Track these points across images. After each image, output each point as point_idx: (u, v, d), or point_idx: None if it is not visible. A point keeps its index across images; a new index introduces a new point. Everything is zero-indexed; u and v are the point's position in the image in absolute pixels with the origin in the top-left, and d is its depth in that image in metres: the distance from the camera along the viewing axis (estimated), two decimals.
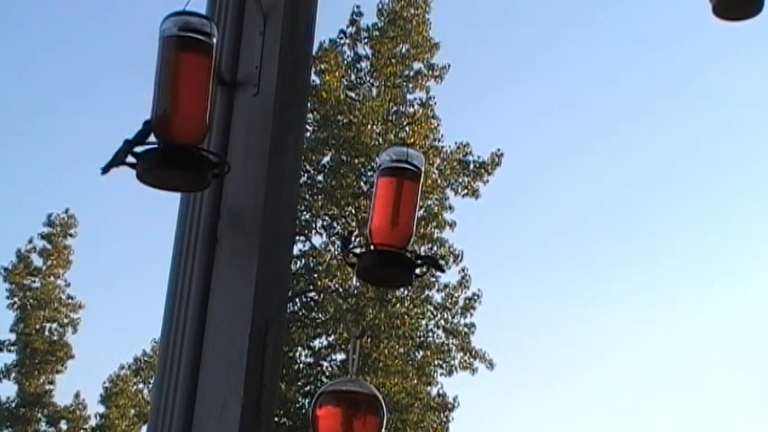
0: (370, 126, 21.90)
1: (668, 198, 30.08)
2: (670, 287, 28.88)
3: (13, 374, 26.68)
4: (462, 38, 30.94)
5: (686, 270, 29.31)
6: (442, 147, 22.06)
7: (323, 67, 21.81)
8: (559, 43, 30.46)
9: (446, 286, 21.59)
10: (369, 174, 21.28)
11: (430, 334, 21.55)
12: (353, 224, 21.51)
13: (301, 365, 21.34)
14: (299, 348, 21.23)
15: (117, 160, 2.91)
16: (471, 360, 21.39)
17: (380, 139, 21.77)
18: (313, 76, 21.11)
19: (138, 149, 2.90)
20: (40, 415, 26.78)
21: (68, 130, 32.91)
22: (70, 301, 27.41)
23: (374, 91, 22.37)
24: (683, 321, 29.23)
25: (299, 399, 20.85)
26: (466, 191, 21.86)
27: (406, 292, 20.83)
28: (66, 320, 27.28)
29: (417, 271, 3.44)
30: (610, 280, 29.85)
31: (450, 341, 21.46)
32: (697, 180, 29.19)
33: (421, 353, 21.38)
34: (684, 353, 29.50)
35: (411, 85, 22.28)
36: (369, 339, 20.22)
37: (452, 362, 21.38)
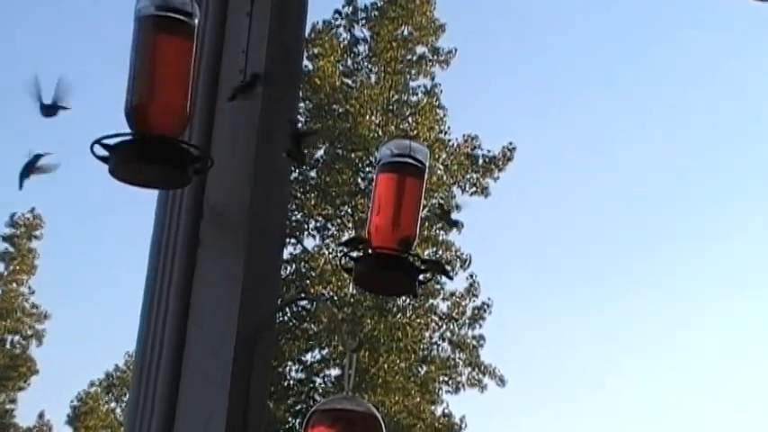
0: (368, 116, 21.92)
1: (695, 201, 30.11)
2: (694, 299, 28.94)
3: None
4: (470, 19, 30.96)
5: (711, 281, 29.35)
6: (449, 140, 22.09)
7: (316, 51, 21.83)
8: (578, 23, 30.51)
9: (452, 294, 21.61)
10: (367, 169, 21.30)
11: (434, 347, 21.57)
12: (350, 225, 21.54)
13: (292, 382, 21.36)
14: (290, 363, 21.24)
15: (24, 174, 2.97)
16: (480, 376, 21.41)
17: (380, 131, 21.79)
18: (305, 62, 21.13)
19: (111, 141, 2.90)
20: None
21: (32, 122, 32.87)
22: (34, 310, 27.44)
23: (373, 78, 22.39)
24: (708, 336, 29.25)
25: (290, 419, 20.86)
26: (474, 188, 21.89)
27: (408, 300, 20.83)
28: (29, 332, 27.29)
29: (421, 277, 3.45)
30: (632, 287, 29.83)
31: (457, 355, 21.47)
32: (723, 182, 29.22)
33: (424, 368, 21.39)
34: (707, 369, 29.53)
35: (414, 72, 22.30)
36: (366, 353, 20.23)
37: (459, 378, 21.40)
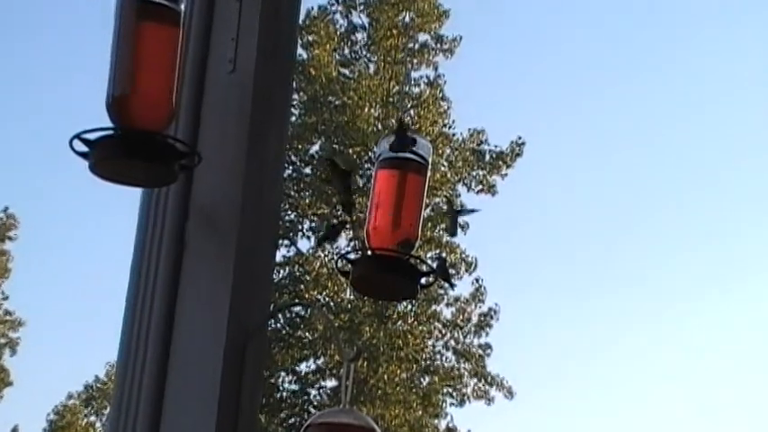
0: (367, 109, 21.93)
1: (716, 199, 30.11)
2: (718, 303, 28.93)
3: None
4: (475, 4, 30.96)
5: (742, 282, 29.37)
6: (453, 134, 22.11)
7: (311, 39, 21.83)
8: (592, 9, 30.51)
9: (457, 300, 21.62)
10: (366, 166, 21.31)
11: (438, 356, 21.58)
12: (347, 225, 21.54)
13: (285, 393, 21.37)
14: (283, 373, 21.25)
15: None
16: (487, 388, 21.41)
17: (379, 125, 21.80)
18: (300, 50, 21.11)
19: (92, 136, 2.91)
20: None
21: (6, 117, 32.96)
22: (8, 317, 27.43)
23: (372, 67, 22.40)
24: (730, 342, 29.30)
25: None
26: (481, 186, 21.90)
27: (409, 306, 20.85)
28: (2, 340, 27.29)
29: (423, 281, 3.45)
30: (654, 291, 29.80)
31: (462, 365, 21.48)
32: (741, 181, 29.24)
33: (427, 379, 21.40)
34: (731, 377, 29.53)
35: (416, 61, 22.31)
36: (365, 362, 20.23)
37: (464, 390, 21.42)
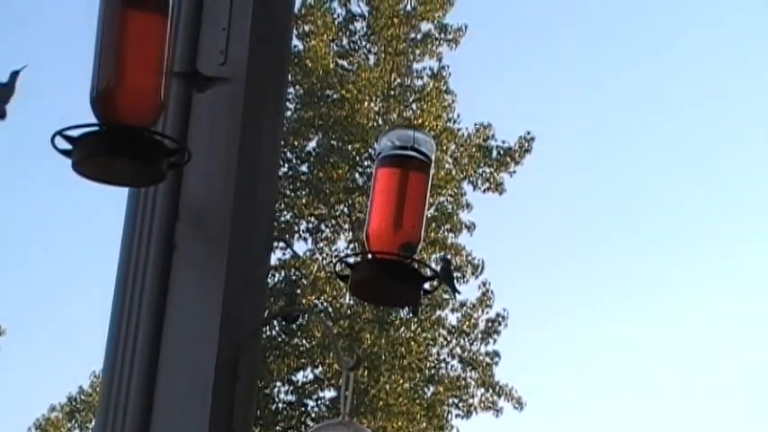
0: (367, 103, 21.92)
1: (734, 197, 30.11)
2: (735, 307, 28.92)
3: None
4: None
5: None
6: (458, 129, 22.10)
7: (307, 28, 21.84)
8: None
9: (463, 305, 21.61)
10: (366, 163, 21.31)
11: (442, 365, 21.58)
12: (346, 226, 21.55)
13: (281, 405, 21.37)
14: (279, 383, 21.25)
15: None
16: (495, 398, 21.41)
17: (380, 120, 21.80)
18: (295, 41, 21.13)
19: (75, 133, 2.90)
20: None
21: None
22: None
23: (372, 59, 22.40)
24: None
25: None
26: (488, 184, 21.89)
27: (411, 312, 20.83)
28: None
29: (426, 286, 3.45)
30: (670, 291, 29.81)
31: (468, 374, 21.48)
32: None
33: (431, 389, 21.40)
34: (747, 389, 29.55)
35: (418, 52, 22.31)
36: (366, 371, 20.23)
37: (471, 400, 21.41)
